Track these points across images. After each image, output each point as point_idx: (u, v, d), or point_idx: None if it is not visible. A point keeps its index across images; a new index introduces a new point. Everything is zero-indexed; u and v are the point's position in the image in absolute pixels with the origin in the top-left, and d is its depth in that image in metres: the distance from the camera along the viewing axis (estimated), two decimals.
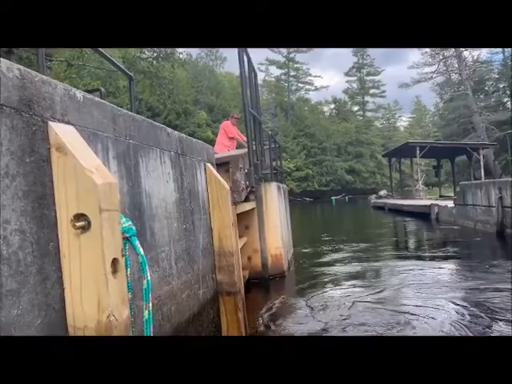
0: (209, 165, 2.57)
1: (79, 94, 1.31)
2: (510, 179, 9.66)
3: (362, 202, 35.86)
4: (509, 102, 35.92)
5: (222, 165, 3.90)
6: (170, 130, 2.03)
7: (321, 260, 9.02)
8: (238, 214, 6.47)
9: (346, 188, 51.15)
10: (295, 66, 57.21)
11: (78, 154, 1.13)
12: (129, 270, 1.20)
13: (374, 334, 2.72)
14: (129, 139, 1.57)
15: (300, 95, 58.78)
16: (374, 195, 34.77)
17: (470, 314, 4.64)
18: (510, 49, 35.48)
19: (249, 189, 4.69)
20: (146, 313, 1.20)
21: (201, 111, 37.71)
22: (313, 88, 59.50)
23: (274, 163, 8.94)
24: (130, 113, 1.63)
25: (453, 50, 35.71)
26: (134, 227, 1.22)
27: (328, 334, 2.72)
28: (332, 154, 52.19)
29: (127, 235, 1.20)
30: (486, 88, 37.96)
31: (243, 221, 6.78)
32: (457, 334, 4.11)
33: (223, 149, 8.00)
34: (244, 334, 2.59)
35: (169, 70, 17.51)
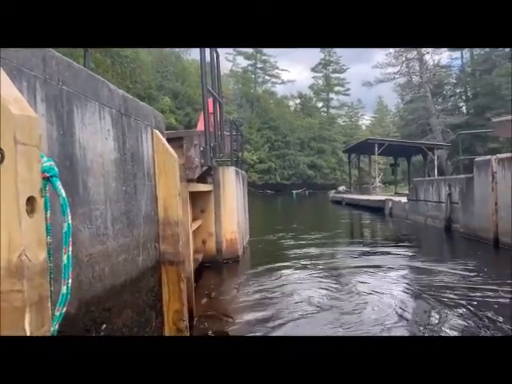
0: (157, 131, 2.49)
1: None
2: (458, 176, 10.10)
3: (321, 196, 36.55)
4: (464, 107, 37.59)
5: (176, 140, 3.82)
6: (113, 86, 1.95)
7: (277, 247, 9.12)
8: (193, 196, 6.40)
9: (307, 182, 51.89)
10: (263, 58, 57.13)
11: None
12: (49, 212, 1.13)
13: (372, 334, 2.77)
14: (62, 85, 1.49)
15: (266, 88, 58.86)
16: (333, 190, 35.50)
17: (415, 290, 4.91)
18: (468, 56, 37.10)
19: (204, 168, 4.63)
20: (64, 257, 1.13)
21: (165, 97, 36.94)
22: (279, 81, 59.76)
23: (234, 150, 8.91)
24: (66, 58, 1.54)
25: (415, 52, 36.88)
26: (55, 168, 1.15)
27: (328, 334, 2.75)
28: (295, 148, 52.73)
29: (48, 175, 1.13)
30: (444, 92, 39.50)
31: (199, 204, 6.72)
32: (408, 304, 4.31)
33: None
34: (186, 305, 2.55)
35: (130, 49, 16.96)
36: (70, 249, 1.14)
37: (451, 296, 4.61)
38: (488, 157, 8.10)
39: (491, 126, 11.21)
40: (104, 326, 1.71)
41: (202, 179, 6.00)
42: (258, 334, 3.75)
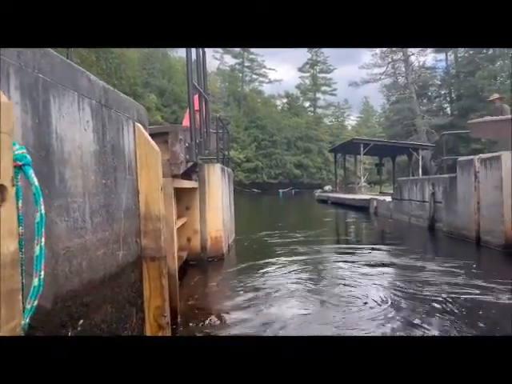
0: (138, 124, 2.45)
1: None
2: (442, 176, 10.23)
3: (307, 195, 36.69)
4: (448, 108, 38.14)
5: (161, 135, 3.77)
6: (93, 77, 1.90)
7: (263, 246, 9.12)
8: (178, 193, 6.35)
9: (293, 182, 52.05)
10: (250, 56, 57.06)
11: None
12: (20, 201, 1.09)
13: (370, 333, 2.77)
14: (38, 73, 1.44)
15: (254, 86, 58.83)
16: (319, 190, 35.71)
17: (397, 287, 4.96)
18: (452, 57, 37.64)
19: (189, 164, 4.58)
20: (37, 248, 1.10)
21: (151, 94, 36.62)
22: (267, 80, 59.80)
23: (221, 148, 8.87)
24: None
25: (401, 53, 37.27)
26: (28, 156, 1.12)
27: (328, 334, 2.74)
28: (282, 147, 52.83)
29: (20, 163, 1.09)
30: (429, 93, 40.03)
31: (184, 201, 6.67)
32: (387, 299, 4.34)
33: None
34: (167, 301, 2.52)
35: None
36: (43, 240, 1.11)
37: (432, 292, 4.67)
38: (471, 157, 8.22)
39: (467, 127, 11.47)
40: (81, 321, 1.67)
41: (187, 176, 5.95)
42: (244, 330, 3.73)
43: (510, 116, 8.44)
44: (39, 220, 1.11)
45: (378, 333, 3.52)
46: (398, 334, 2.82)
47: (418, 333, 3.44)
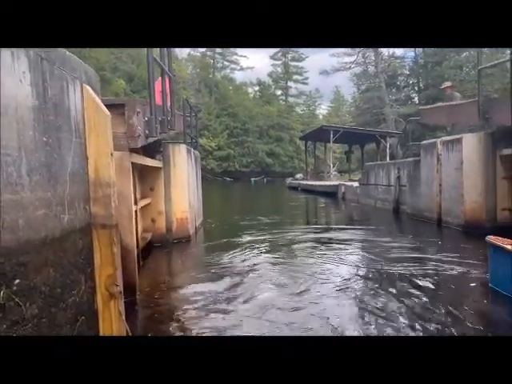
0: (87, 87, 2.34)
1: None
2: (407, 160, 10.45)
3: (279, 183, 36.89)
4: (416, 98, 38.92)
5: (117, 107, 3.64)
6: None
7: (232, 228, 9.10)
8: (141, 173, 6.21)
9: (265, 170, 52.09)
10: None
11: None
12: None
13: (372, 334, 2.78)
14: None
15: (225, 73, 58.20)
16: (291, 178, 35.91)
17: (365, 263, 5.14)
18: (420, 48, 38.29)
19: (150, 140, 4.47)
20: None
21: (119, 79, 35.65)
22: (238, 68, 59.26)
23: (188, 128, 8.71)
24: None
25: None
26: None
27: (328, 334, 2.73)
28: (254, 135, 52.65)
29: None
30: (398, 83, 40.68)
31: (148, 181, 6.53)
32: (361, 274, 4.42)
33: None
34: (119, 270, 2.45)
35: None
36: None
37: (398, 267, 4.78)
38: (434, 140, 8.41)
39: (419, 113, 12.05)
40: (17, 281, 1.59)
41: (150, 155, 5.82)
42: (204, 303, 3.70)
43: (457, 102, 8.72)
44: None
45: (345, 303, 3.59)
46: (394, 329, 2.89)
47: (392, 305, 3.51)
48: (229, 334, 2.94)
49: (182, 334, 3.02)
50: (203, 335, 2.84)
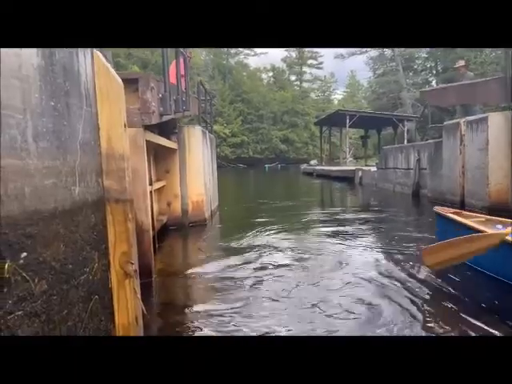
0: (98, 52, 2.20)
1: None
2: (427, 142, 10.13)
3: (293, 169, 36.62)
4: (434, 81, 37.97)
5: (130, 81, 3.50)
6: None
7: (246, 214, 8.97)
8: (157, 155, 6.10)
9: (279, 157, 51.75)
10: None
11: None
12: None
13: (372, 334, 2.68)
14: None
15: (239, 59, 57.64)
16: (306, 164, 35.63)
17: (383, 249, 5.06)
18: None
19: (165, 118, 4.32)
20: None
21: (133, 66, 35.59)
22: (252, 53, 58.58)
23: (203, 112, 8.56)
24: None
25: None
26: None
27: (328, 334, 2.65)
28: (268, 122, 52.21)
29: None
30: (415, 66, 39.72)
31: (163, 164, 6.42)
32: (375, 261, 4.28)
33: None
34: (134, 247, 2.33)
35: None
36: None
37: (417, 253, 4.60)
38: (457, 120, 8.10)
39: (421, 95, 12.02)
40: (24, 254, 1.46)
41: (164, 135, 5.69)
42: (220, 285, 3.59)
43: (460, 83, 8.44)
44: None
45: (365, 282, 3.44)
46: (395, 329, 2.76)
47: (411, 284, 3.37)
48: (254, 318, 2.85)
49: (195, 322, 2.91)
50: (203, 335, 2.73)
